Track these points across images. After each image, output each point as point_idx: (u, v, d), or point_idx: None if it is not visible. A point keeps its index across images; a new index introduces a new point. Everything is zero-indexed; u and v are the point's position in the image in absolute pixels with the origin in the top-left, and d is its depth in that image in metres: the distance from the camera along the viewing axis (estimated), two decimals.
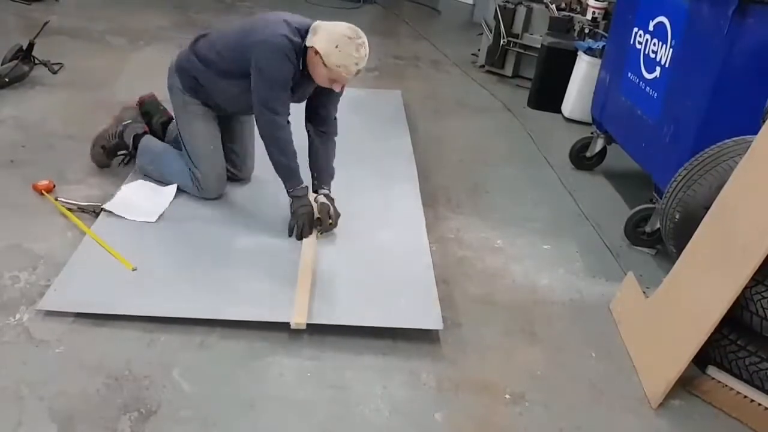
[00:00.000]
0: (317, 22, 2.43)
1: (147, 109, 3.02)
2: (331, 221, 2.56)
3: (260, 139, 2.55)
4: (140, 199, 2.64)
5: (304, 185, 2.54)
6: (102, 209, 2.55)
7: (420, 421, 1.86)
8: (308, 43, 2.39)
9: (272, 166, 2.54)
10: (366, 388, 1.94)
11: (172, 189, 2.72)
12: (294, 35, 2.38)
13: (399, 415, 1.86)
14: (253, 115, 2.55)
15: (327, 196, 2.62)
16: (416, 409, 1.89)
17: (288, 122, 2.49)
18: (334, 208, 2.59)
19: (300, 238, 2.50)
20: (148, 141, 2.86)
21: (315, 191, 2.63)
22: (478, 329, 2.25)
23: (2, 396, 1.76)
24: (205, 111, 2.68)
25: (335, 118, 2.73)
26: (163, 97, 2.93)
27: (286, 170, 2.52)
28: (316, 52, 2.36)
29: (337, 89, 2.53)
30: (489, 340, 2.21)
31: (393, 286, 2.32)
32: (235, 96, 2.58)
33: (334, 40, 2.34)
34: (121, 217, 2.53)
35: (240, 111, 2.75)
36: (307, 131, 2.71)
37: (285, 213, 2.65)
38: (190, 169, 2.70)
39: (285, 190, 2.54)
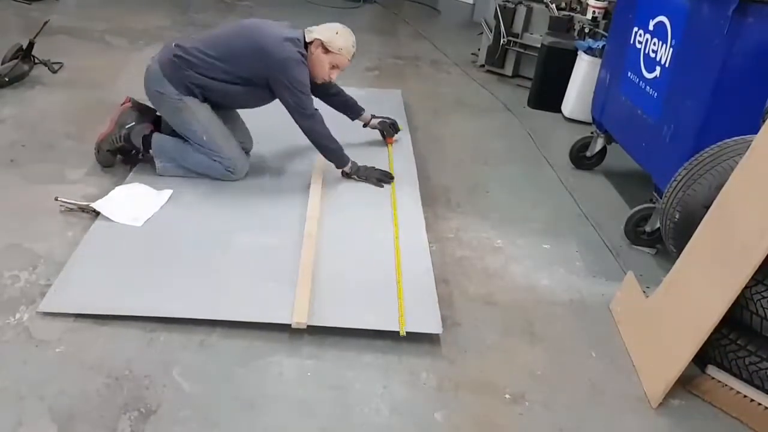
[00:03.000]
0: (308, 29, 2.83)
1: (137, 108, 3.02)
2: (392, 128, 3.44)
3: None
4: (131, 202, 2.62)
5: (351, 161, 2.99)
6: (92, 209, 2.55)
7: (420, 421, 1.86)
8: (309, 38, 2.79)
9: (322, 155, 2.97)
10: (366, 388, 1.94)
11: (166, 194, 2.72)
12: (300, 47, 2.76)
13: (399, 415, 1.86)
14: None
15: (373, 116, 3.41)
16: (416, 408, 1.89)
17: (317, 110, 2.87)
18: (385, 118, 3.44)
19: (390, 179, 3.05)
20: (162, 141, 2.89)
21: (364, 121, 3.39)
22: (478, 329, 2.25)
23: (2, 396, 1.76)
24: (202, 102, 2.83)
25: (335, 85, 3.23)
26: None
27: (335, 153, 2.94)
28: (320, 43, 2.77)
29: (333, 78, 2.94)
30: (489, 340, 2.21)
31: (393, 288, 2.31)
32: (237, 96, 2.86)
33: (333, 29, 2.81)
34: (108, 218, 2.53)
35: (236, 106, 3.04)
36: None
37: (284, 213, 2.69)
38: (214, 159, 2.83)
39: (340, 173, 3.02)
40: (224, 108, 2.98)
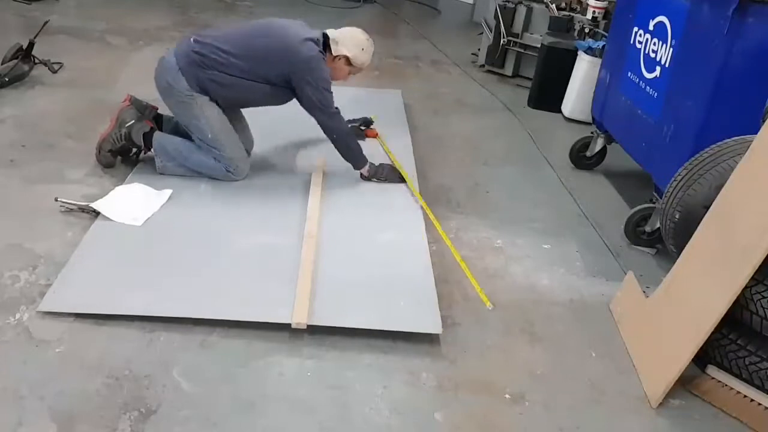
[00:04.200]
0: (329, 32, 2.88)
1: (136, 106, 3.03)
2: (366, 124, 3.51)
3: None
4: (130, 201, 2.62)
5: (369, 162, 3.01)
6: (92, 209, 2.55)
7: (420, 421, 1.86)
8: (335, 53, 2.87)
9: (341, 155, 2.95)
10: (366, 388, 1.94)
11: (166, 194, 2.72)
12: (320, 47, 2.82)
13: (399, 415, 1.86)
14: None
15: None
16: (416, 408, 1.89)
17: (338, 108, 2.89)
18: (353, 120, 3.41)
19: (402, 180, 3.06)
20: (163, 140, 2.90)
21: None
22: (478, 329, 2.25)
23: (2, 396, 1.76)
24: (210, 100, 2.83)
25: None
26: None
27: (355, 153, 2.97)
28: (346, 59, 2.88)
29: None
30: (489, 340, 2.21)
31: (393, 288, 2.31)
32: (254, 94, 2.86)
33: (359, 45, 2.90)
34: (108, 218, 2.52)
35: (251, 104, 3.03)
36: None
37: (284, 213, 2.69)
38: (215, 158, 2.84)
39: (359, 174, 3.02)
40: (235, 107, 2.99)
